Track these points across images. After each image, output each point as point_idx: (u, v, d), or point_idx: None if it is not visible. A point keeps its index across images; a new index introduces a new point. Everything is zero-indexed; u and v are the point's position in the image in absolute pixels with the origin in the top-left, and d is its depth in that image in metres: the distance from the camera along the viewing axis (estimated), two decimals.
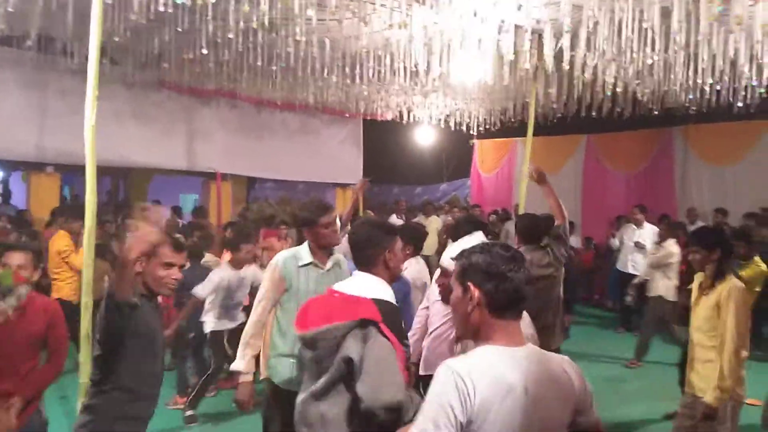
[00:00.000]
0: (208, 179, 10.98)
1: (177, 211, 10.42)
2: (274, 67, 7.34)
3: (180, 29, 5.78)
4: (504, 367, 1.52)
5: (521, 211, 7.62)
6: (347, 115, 11.86)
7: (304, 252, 3.28)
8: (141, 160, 9.91)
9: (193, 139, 10.42)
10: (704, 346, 3.40)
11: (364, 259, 2.31)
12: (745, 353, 3.35)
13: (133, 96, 9.50)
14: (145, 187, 12.75)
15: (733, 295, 3.27)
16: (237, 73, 8.53)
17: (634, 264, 8.43)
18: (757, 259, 5.52)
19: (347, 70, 7.31)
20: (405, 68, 6.85)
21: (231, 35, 5.92)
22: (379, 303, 2.13)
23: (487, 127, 11.31)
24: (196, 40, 6.54)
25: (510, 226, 9.80)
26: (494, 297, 1.60)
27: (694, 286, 3.62)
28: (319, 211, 3.24)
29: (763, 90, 6.97)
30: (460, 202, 13.92)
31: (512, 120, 10.26)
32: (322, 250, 3.29)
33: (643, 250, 8.09)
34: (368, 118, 12.26)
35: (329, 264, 3.30)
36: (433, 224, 9.96)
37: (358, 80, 7.71)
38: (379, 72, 7.33)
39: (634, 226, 8.59)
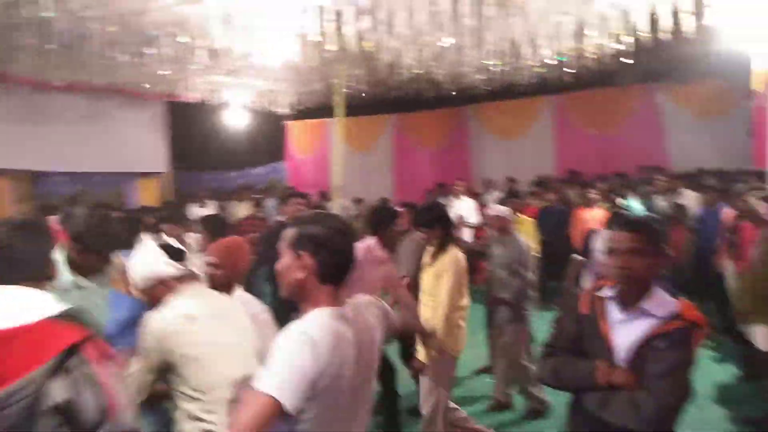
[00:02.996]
0: None
1: None
2: (48, 46, 6.42)
3: None
4: (338, 325, 1.73)
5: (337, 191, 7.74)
6: (145, 98, 10.86)
7: None
8: None
9: None
10: (428, 307, 3.74)
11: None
12: (461, 317, 3.74)
13: None
14: None
15: (450, 267, 3.65)
16: (4, 52, 7.31)
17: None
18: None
19: (135, 48, 6.64)
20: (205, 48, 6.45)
21: None
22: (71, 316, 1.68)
23: (299, 108, 11.20)
24: None
25: (332, 206, 9.82)
26: (326, 266, 1.76)
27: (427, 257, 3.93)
28: None
29: (539, 67, 7.80)
30: (279, 185, 13.66)
31: (323, 102, 10.27)
32: None
33: (468, 223, 8.64)
34: (172, 100, 11.37)
35: None
36: (243, 210, 9.56)
37: (150, 60, 7.08)
38: (176, 51, 6.81)
39: (453, 198, 8.73)
